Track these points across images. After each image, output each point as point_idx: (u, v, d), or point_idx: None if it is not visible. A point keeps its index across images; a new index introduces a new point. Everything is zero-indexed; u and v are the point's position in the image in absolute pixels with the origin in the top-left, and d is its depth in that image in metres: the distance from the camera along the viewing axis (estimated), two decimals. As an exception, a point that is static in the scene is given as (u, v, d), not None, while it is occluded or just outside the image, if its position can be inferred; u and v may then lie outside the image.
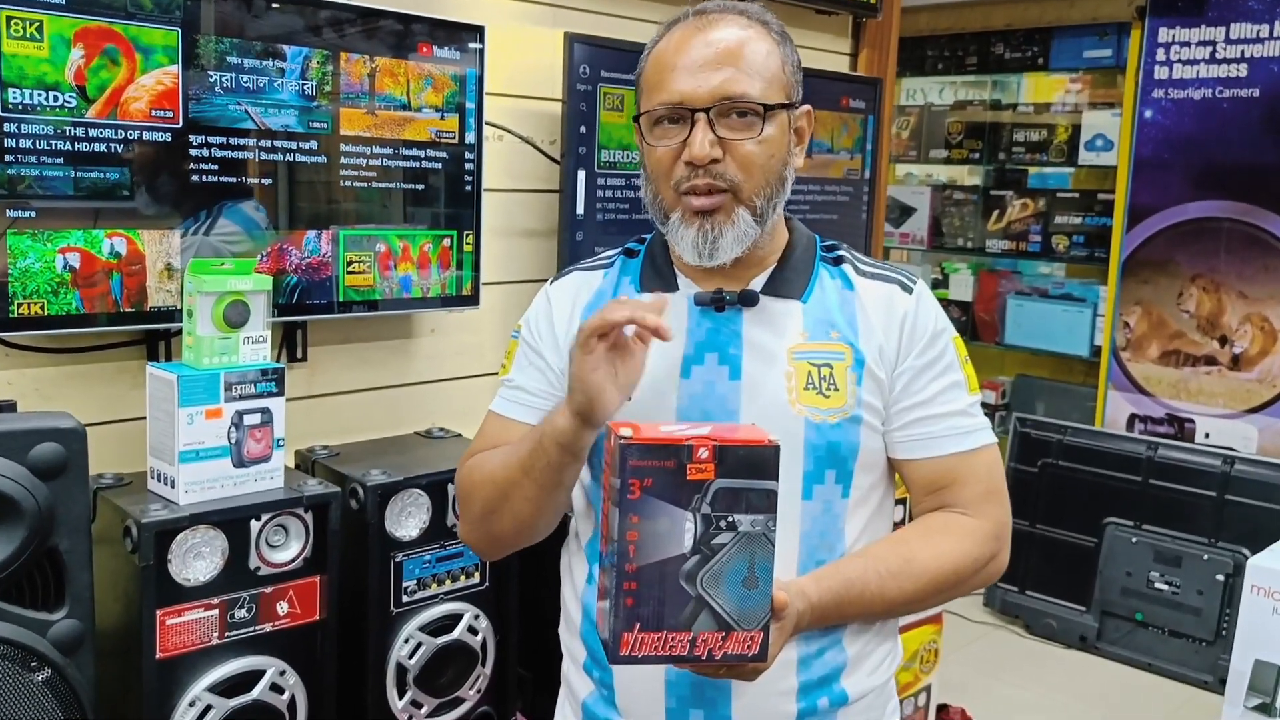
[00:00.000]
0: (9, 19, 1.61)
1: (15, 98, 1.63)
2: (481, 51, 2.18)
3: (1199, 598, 3.64)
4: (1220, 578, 3.55)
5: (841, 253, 1.34)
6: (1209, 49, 4.10)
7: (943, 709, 3.09)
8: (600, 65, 2.40)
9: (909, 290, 1.31)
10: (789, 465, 1.20)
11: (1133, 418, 4.38)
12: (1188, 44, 4.15)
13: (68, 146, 1.68)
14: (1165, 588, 3.72)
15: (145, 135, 1.76)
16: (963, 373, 1.31)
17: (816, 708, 1.25)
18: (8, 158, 1.63)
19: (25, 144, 1.64)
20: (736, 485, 1.00)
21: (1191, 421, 4.25)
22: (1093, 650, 3.83)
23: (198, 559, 1.61)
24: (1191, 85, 4.15)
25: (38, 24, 1.63)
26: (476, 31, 2.18)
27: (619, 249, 1.39)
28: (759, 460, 1.01)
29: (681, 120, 1.20)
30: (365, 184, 2.04)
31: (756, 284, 1.28)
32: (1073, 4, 4.54)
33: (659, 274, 1.32)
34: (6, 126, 1.62)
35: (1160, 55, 4.21)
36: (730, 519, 1.00)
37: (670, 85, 1.20)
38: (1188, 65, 4.15)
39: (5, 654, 1.39)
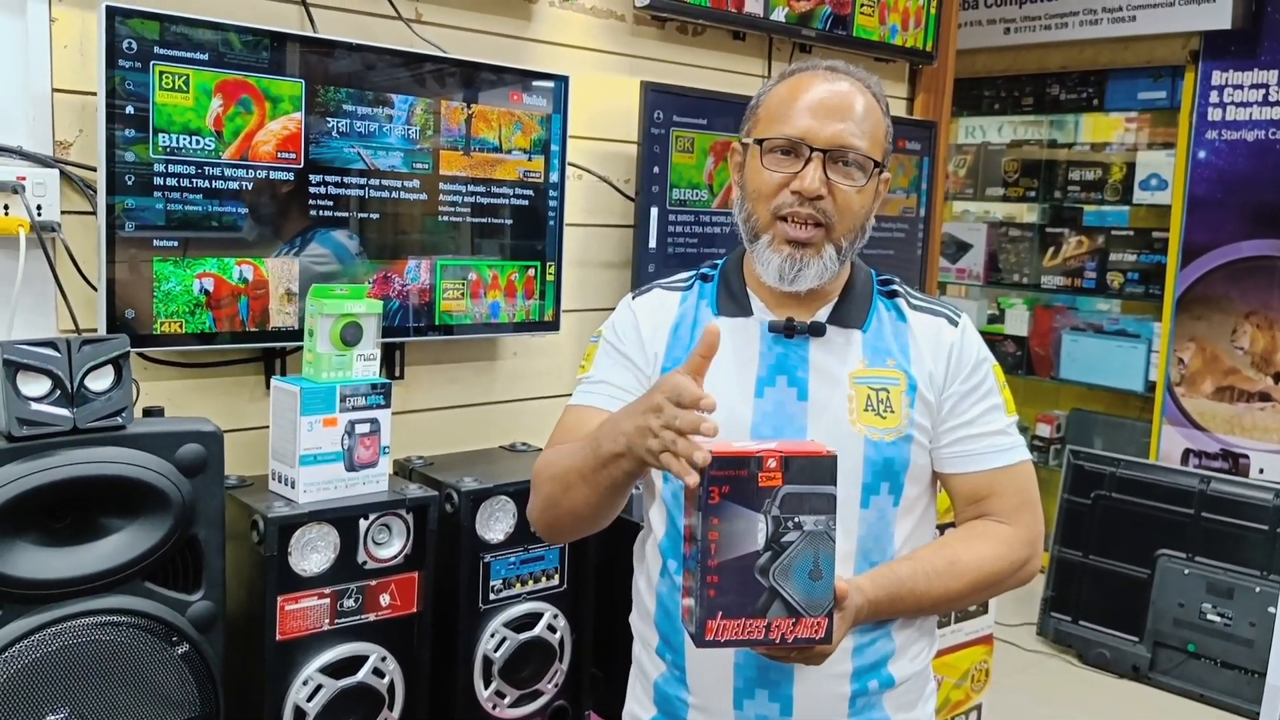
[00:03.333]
0: (161, 73, 1.83)
1: (165, 142, 1.85)
2: (565, 99, 2.37)
3: (1251, 629, 3.67)
4: (1272, 610, 3.58)
5: (895, 287, 1.48)
6: (1262, 92, 4.18)
7: (994, 730, 3.17)
8: (673, 111, 2.58)
9: (955, 323, 1.45)
10: (849, 477, 1.35)
11: (1187, 452, 4.43)
12: (1240, 87, 4.23)
13: (206, 184, 1.90)
14: (1217, 619, 3.76)
15: (272, 175, 1.97)
16: (1001, 396, 1.45)
17: (867, 689, 1.39)
18: (156, 194, 1.85)
19: (171, 182, 1.86)
20: (801, 490, 1.15)
21: (1246, 457, 4.29)
22: (1145, 680, 3.87)
23: (314, 552, 1.80)
24: (1244, 127, 4.23)
25: (185, 77, 1.86)
26: (561, 81, 2.37)
27: (694, 272, 1.52)
28: (820, 468, 1.16)
29: (795, 154, 1.35)
30: (461, 219, 2.24)
31: (822, 314, 1.42)
32: (1127, 47, 4.63)
33: (734, 299, 1.45)
34: (156, 167, 1.84)
35: (1214, 97, 4.29)
36: (796, 519, 1.15)
37: (795, 121, 1.35)
38: (1241, 107, 4.23)
39: (151, 628, 1.58)
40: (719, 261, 1.52)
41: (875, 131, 1.38)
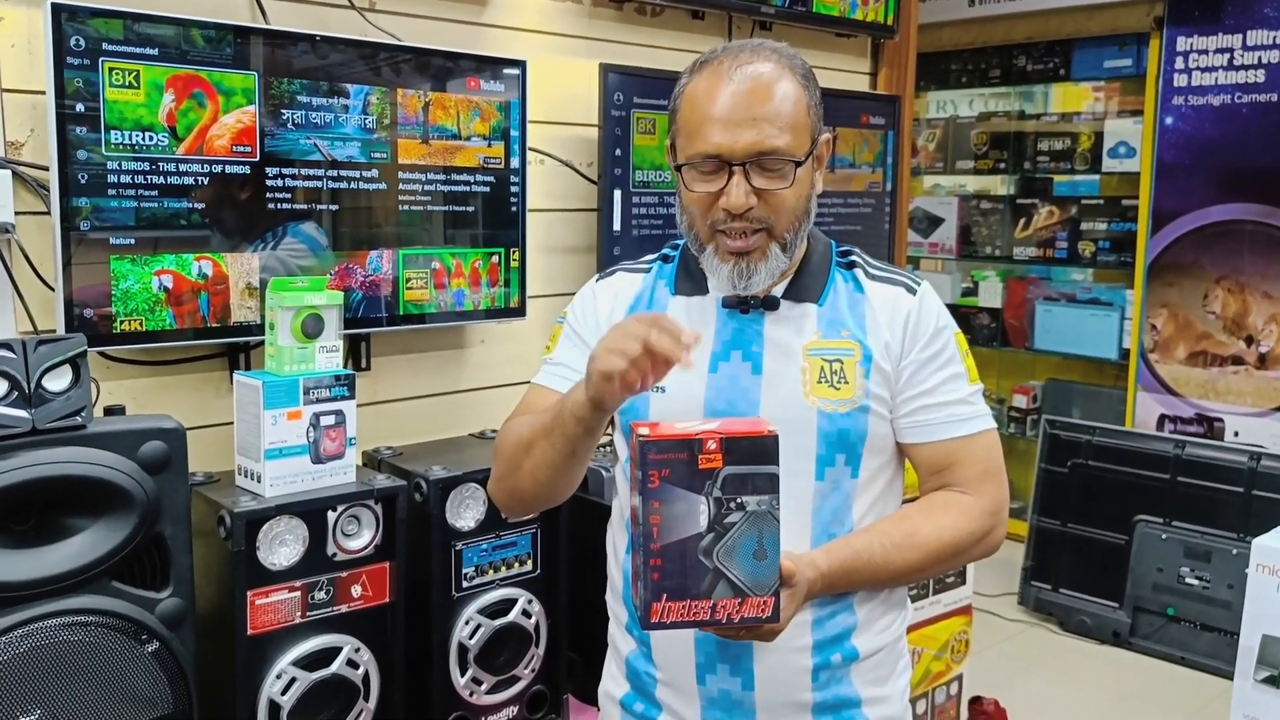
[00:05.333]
0: (111, 69, 1.82)
1: (117, 139, 1.83)
2: (524, 83, 2.37)
3: (1229, 591, 3.70)
4: (1248, 571, 3.61)
5: (854, 258, 1.47)
6: (1227, 56, 4.20)
7: (976, 700, 3.19)
8: (633, 92, 2.57)
9: (913, 292, 1.43)
10: (804, 449, 1.35)
11: (1163, 418, 4.46)
12: (1205, 52, 4.25)
13: (161, 180, 1.89)
14: (1195, 583, 3.79)
15: (228, 169, 1.96)
16: (963, 365, 1.44)
17: (830, 663, 1.38)
18: (110, 192, 1.84)
19: (125, 179, 1.85)
20: (742, 471, 1.15)
21: (1221, 420, 4.33)
22: (1126, 645, 3.90)
23: (282, 545, 1.80)
24: (1210, 91, 4.25)
25: (135, 73, 1.84)
26: (519, 65, 2.36)
27: (657, 254, 1.53)
28: (760, 449, 1.15)
29: (718, 170, 1.32)
30: (421, 207, 2.23)
31: (778, 289, 1.42)
32: (1092, 16, 4.64)
33: (691, 277, 1.45)
34: (109, 164, 1.83)
35: (1179, 63, 4.31)
36: (739, 500, 1.14)
37: (707, 138, 1.31)
38: (1206, 72, 4.25)
39: (120, 627, 1.58)
40: (680, 243, 1.52)
41: (796, 117, 1.33)
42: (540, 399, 1.47)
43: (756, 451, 1.15)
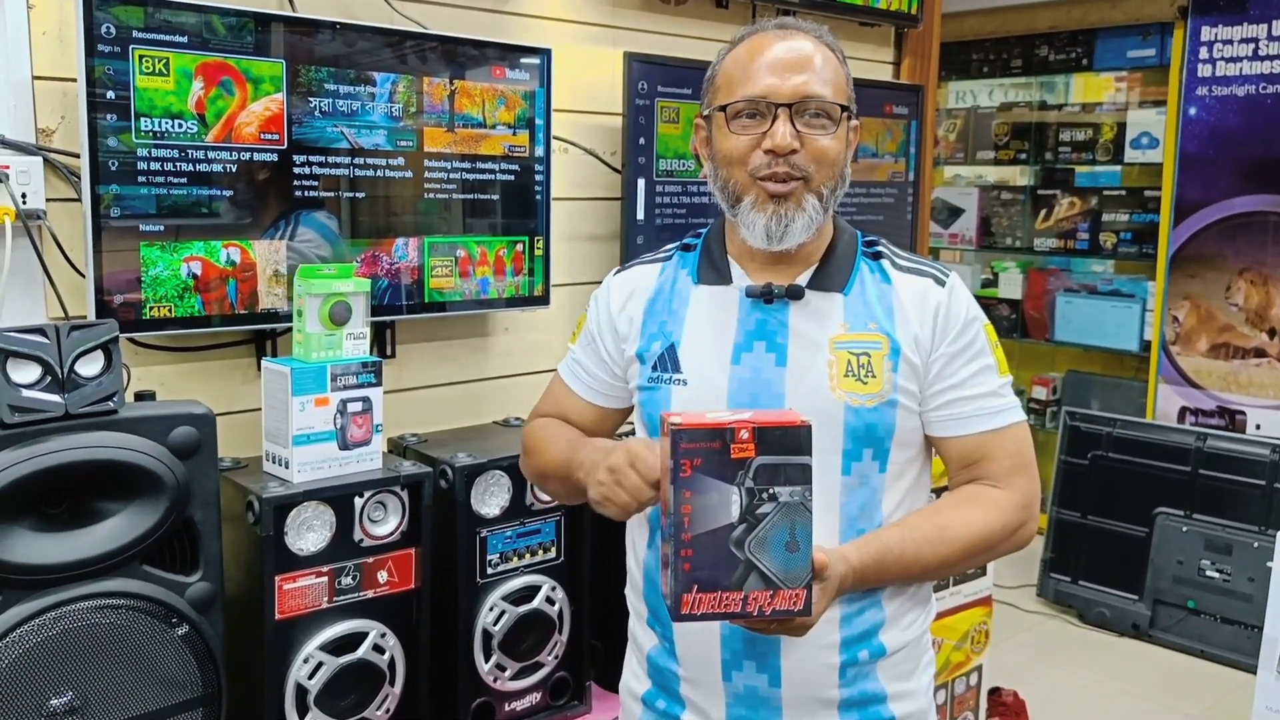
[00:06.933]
0: (141, 57, 1.83)
1: (147, 126, 1.84)
2: (548, 72, 2.37)
3: (1250, 585, 3.69)
4: (1271, 564, 3.60)
5: (880, 248, 1.46)
6: (1251, 46, 4.17)
7: (995, 691, 3.19)
8: (657, 81, 2.57)
9: (942, 284, 1.42)
10: (830, 444, 1.34)
11: (1184, 410, 4.44)
12: (1230, 42, 4.22)
13: (190, 168, 1.90)
14: (1216, 575, 3.78)
15: (256, 156, 1.97)
16: (993, 357, 1.42)
17: (857, 659, 1.38)
18: (140, 179, 1.85)
19: (155, 166, 1.86)
20: (775, 461, 1.13)
21: (1243, 413, 4.30)
22: (1145, 638, 3.90)
23: (310, 531, 1.81)
24: (1235, 82, 4.22)
25: (165, 60, 1.85)
26: (543, 54, 2.36)
27: (677, 244, 1.52)
28: (794, 439, 1.14)
29: (761, 115, 1.34)
30: (447, 195, 2.24)
31: (803, 278, 1.40)
32: (1115, 5, 4.62)
33: (714, 267, 1.45)
34: (139, 152, 1.84)
35: (1203, 54, 4.28)
36: (771, 491, 1.13)
37: (755, 81, 1.34)
38: (1231, 63, 4.22)
39: (151, 610, 1.59)
40: (702, 231, 1.52)
41: (837, 79, 1.38)
42: (562, 393, 1.56)
43: (790, 442, 1.13)
